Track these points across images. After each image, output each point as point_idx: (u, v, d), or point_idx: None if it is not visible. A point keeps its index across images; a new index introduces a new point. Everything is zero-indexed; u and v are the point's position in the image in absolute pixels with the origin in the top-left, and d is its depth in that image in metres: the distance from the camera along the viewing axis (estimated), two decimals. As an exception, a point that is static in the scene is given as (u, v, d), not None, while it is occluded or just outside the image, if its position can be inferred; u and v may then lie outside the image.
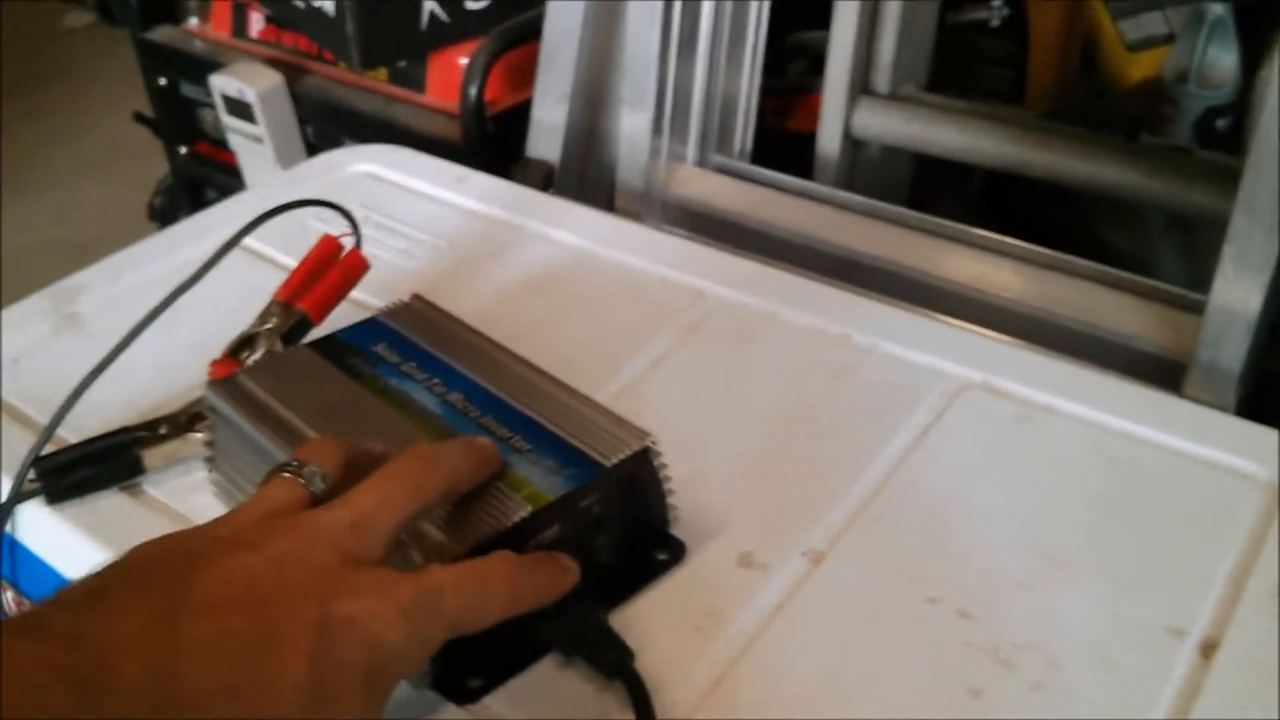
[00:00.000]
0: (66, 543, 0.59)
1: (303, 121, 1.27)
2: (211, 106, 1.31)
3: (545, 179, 1.05)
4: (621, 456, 0.52)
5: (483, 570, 0.46)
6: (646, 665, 0.49)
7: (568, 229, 0.82)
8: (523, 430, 0.54)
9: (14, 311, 0.76)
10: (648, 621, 0.52)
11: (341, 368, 0.59)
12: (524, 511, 0.49)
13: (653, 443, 0.53)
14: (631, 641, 0.50)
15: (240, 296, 0.66)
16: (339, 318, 0.65)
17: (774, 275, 0.77)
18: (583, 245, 0.81)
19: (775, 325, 0.72)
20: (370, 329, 0.62)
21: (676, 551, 0.55)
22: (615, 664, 0.48)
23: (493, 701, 0.49)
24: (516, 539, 0.49)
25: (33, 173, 2.62)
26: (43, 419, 0.62)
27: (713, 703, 0.49)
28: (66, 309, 0.76)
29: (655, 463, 0.54)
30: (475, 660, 0.50)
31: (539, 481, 0.51)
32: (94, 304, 0.76)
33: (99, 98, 2.74)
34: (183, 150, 1.46)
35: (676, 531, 0.56)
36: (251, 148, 1.25)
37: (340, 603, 0.41)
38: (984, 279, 0.84)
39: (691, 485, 0.56)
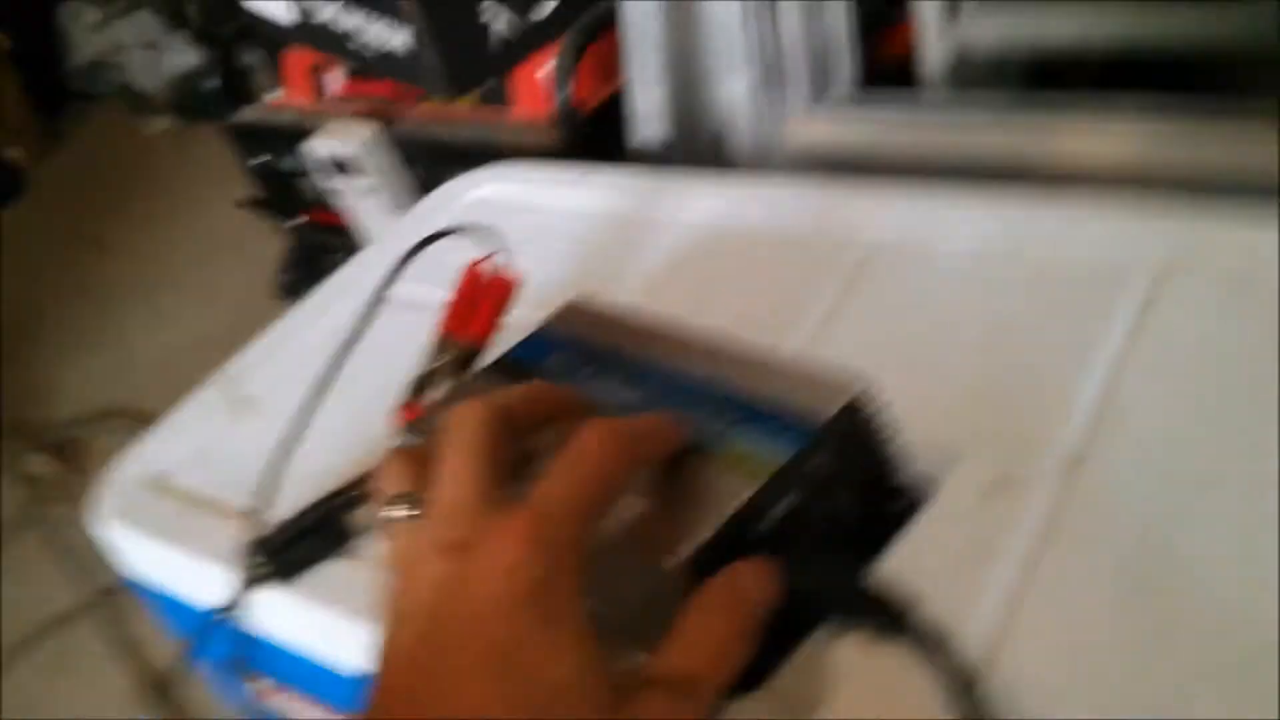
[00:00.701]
0: (307, 617, 0.58)
1: (406, 163, 1.27)
2: (311, 173, 1.33)
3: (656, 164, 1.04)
4: (838, 406, 0.50)
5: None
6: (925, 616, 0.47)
7: (698, 203, 0.80)
8: (726, 406, 0.52)
9: (187, 408, 0.77)
10: (912, 569, 0.49)
11: (527, 389, 0.57)
12: (748, 490, 0.47)
13: (867, 386, 0.51)
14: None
15: (395, 348, 0.65)
16: (500, 341, 0.64)
17: (919, 204, 0.73)
18: (716, 217, 0.79)
19: (936, 255, 0.69)
20: (538, 342, 0.60)
21: (918, 493, 0.52)
22: (897, 620, 0.45)
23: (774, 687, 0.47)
24: (745, 522, 0.47)
25: (153, 275, 2.71)
26: (240, 504, 0.62)
27: (1009, 637, 0.46)
28: (237, 393, 0.77)
29: (874, 407, 0.51)
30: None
31: (757, 455, 0.49)
32: (262, 383, 0.77)
33: (197, 194, 2.82)
34: (296, 222, 1.48)
35: (911, 473, 0.53)
36: (363, 203, 1.26)
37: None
38: (1146, 155, 0.79)
39: (911, 425, 0.53)
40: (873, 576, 0.48)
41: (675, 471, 0.49)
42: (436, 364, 0.62)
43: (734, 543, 0.47)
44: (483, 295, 0.65)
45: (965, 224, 0.69)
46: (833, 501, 0.50)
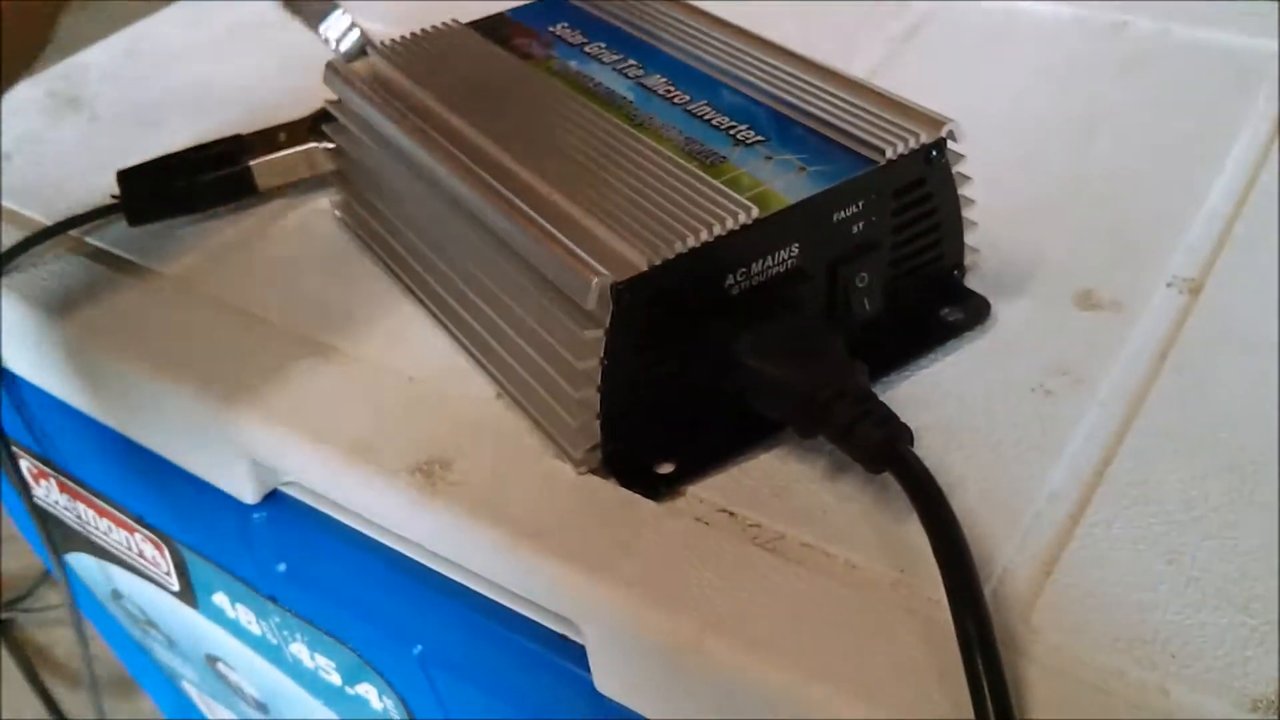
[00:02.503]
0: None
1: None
2: None
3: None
4: (905, 149, 0.34)
5: None
6: (981, 440, 0.33)
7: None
8: (752, 118, 0.37)
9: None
10: (960, 389, 0.35)
11: (507, 48, 0.43)
12: (746, 215, 0.32)
13: (952, 134, 0.35)
14: (939, 418, 0.33)
15: None
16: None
17: None
18: None
19: (1015, 20, 0.52)
20: (551, 7, 0.45)
21: (978, 308, 0.37)
22: (880, 448, 0.30)
23: (699, 496, 0.33)
24: (732, 256, 0.33)
25: None
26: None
27: (1107, 490, 0.31)
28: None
29: (954, 168, 0.36)
30: (670, 441, 0.34)
31: (774, 181, 0.34)
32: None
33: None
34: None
35: (974, 284, 0.38)
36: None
37: None
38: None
39: (983, 221, 0.38)
40: (882, 390, 0.34)
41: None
42: None
43: (699, 290, 0.33)
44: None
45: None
46: (858, 276, 0.35)
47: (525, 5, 0.46)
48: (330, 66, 0.43)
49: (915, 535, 0.29)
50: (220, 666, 0.60)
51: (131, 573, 0.58)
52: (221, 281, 0.43)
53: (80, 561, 0.62)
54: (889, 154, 0.34)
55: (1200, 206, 0.40)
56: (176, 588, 0.55)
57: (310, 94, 0.46)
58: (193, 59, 0.59)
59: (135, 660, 0.73)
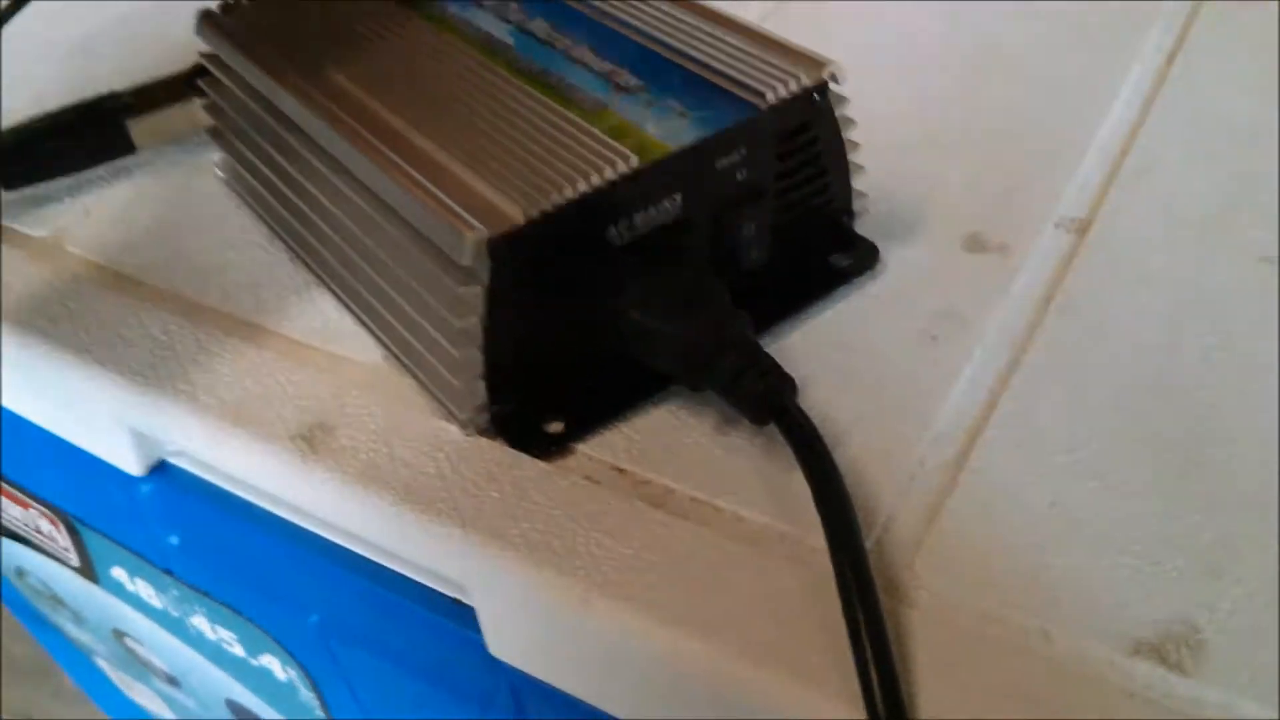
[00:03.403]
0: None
1: None
2: None
3: None
4: (786, 92, 0.33)
5: None
6: (868, 388, 0.32)
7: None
8: (635, 62, 0.36)
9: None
10: (848, 337, 0.34)
11: (385, -5, 0.41)
12: (625, 164, 0.31)
13: (834, 75, 0.34)
14: (827, 367, 0.33)
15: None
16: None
17: None
18: None
19: None
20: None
21: (866, 254, 0.37)
22: (764, 399, 0.30)
23: (589, 454, 0.32)
24: (614, 206, 0.32)
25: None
26: None
27: (992, 435, 0.31)
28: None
29: (838, 110, 0.35)
30: (557, 399, 0.33)
31: (654, 128, 0.33)
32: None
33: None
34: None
35: (863, 229, 0.37)
36: None
37: None
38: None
39: (871, 165, 0.37)
40: (772, 339, 0.33)
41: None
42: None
43: (580, 243, 0.32)
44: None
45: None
46: (743, 224, 0.34)
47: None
48: (202, 17, 0.41)
49: (803, 486, 0.29)
50: (128, 641, 0.59)
51: (32, 549, 0.56)
52: (97, 244, 0.42)
53: (-20, 540, 0.60)
54: (770, 97, 0.33)
55: (1089, 145, 0.40)
56: (76, 563, 0.53)
57: (190, 47, 0.44)
58: (65, 12, 0.57)
59: (49, 638, 0.72)
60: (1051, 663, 0.26)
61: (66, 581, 0.57)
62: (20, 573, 0.62)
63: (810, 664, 0.27)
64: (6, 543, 0.59)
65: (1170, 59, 0.44)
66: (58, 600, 0.62)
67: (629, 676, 0.30)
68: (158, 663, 0.59)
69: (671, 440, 0.32)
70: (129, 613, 0.53)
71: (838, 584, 0.27)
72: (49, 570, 0.57)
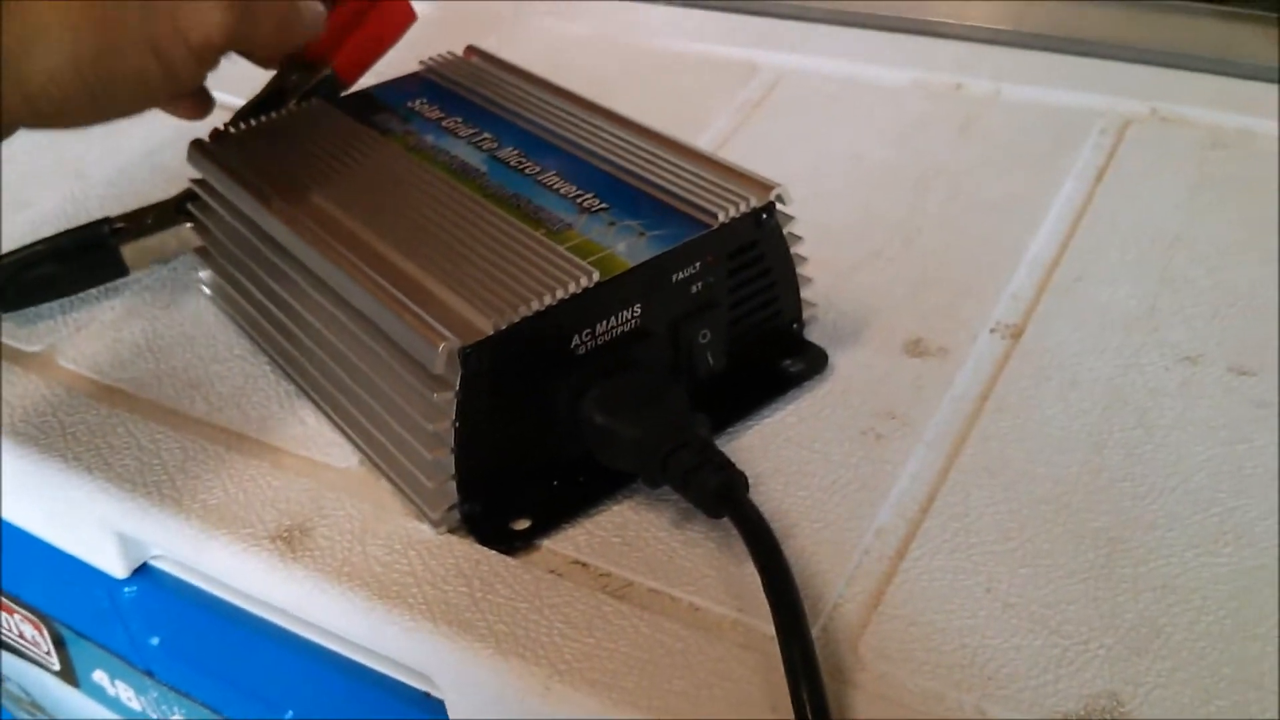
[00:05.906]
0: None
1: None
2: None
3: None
4: (736, 212, 0.36)
5: None
6: (817, 483, 0.35)
7: (580, 14, 0.66)
8: (598, 186, 0.39)
9: None
10: (799, 436, 0.37)
11: (366, 123, 0.44)
12: (588, 279, 0.34)
13: (780, 197, 0.37)
14: (779, 463, 0.35)
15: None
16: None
17: (836, 32, 0.60)
18: (596, 29, 0.64)
19: (858, 86, 0.56)
20: (412, 84, 0.47)
21: (815, 359, 0.39)
22: (717, 494, 0.32)
23: (553, 549, 0.34)
24: (576, 318, 0.34)
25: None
26: None
27: (931, 525, 0.33)
28: None
29: (785, 229, 0.38)
30: (524, 498, 0.35)
31: (615, 245, 0.36)
32: None
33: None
34: None
35: (812, 335, 0.40)
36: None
37: None
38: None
39: (820, 277, 0.40)
40: (728, 439, 0.36)
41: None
42: (278, 87, 0.49)
43: (546, 351, 0.34)
44: (366, 20, 0.51)
45: (896, 52, 0.58)
46: (699, 333, 0.37)
47: (388, 82, 0.48)
48: (194, 145, 0.44)
49: (755, 575, 0.31)
50: (105, 747, 0.59)
51: (13, 654, 0.57)
52: (88, 358, 0.44)
53: (-41, 648, 0.61)
54: (721, 218, 0.36)
55: (1023, 256, 0.43)
56: (57, 667, 0.54)
57: (179, 173, 0.47)
58: (62, 138, 0.59)
59: (23, 748, 0.71)
60: (987, 738, 0.28)
61: (46, 686, 0.57)
62: (-2, 681, 0.63)
63: (761, 744, 0.28)
64: (-13, 651, 0.59)
65: (1100, 176, 0.47)
66: (36, 706, 0.62)
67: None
68: (134, 769, 0.59)
69: (631, 534, 0.34)
70: (108, 717, 0.54)
71: (785, 671, 0.28)
72: (30, 676, 0.58)
